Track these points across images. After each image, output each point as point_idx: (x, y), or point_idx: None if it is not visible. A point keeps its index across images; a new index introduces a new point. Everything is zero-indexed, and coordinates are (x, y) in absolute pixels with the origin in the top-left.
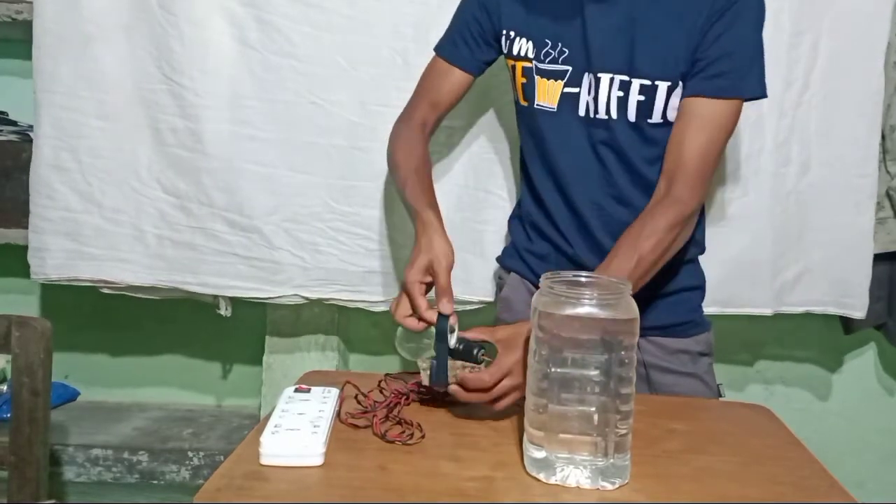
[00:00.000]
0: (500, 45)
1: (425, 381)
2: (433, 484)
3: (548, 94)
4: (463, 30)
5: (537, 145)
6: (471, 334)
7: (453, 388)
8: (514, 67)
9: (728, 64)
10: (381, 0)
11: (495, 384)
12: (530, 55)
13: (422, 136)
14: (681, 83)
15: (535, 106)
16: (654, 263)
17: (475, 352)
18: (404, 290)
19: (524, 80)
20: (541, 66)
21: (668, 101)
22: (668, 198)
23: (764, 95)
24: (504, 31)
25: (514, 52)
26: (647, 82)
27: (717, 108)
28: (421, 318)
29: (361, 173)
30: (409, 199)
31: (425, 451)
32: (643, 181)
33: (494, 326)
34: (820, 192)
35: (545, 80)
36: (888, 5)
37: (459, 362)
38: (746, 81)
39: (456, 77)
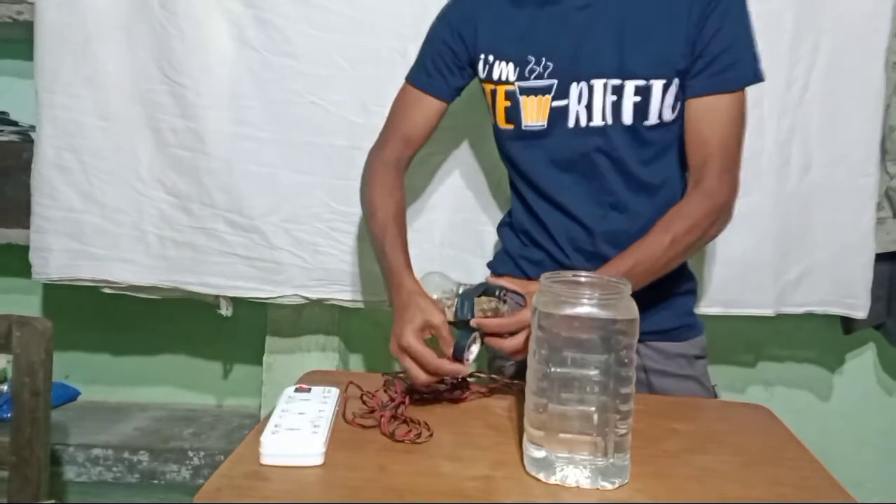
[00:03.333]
0: (477, 70)
1: (449, 317)
2: (433, 484)
3: (536, 113)
4: (435, 57)
5: (525, 167)
6: (503, 282)
7: (476, 320)
8: (494, 92)
9: (730, 57)
10: (381, 0)
11: (513, 333)
12: (511, 78)
13: (397, 176)
14: (676, 80)
15: (523, 128)
16: (689, 246)
17: (497, 292)
18: (409, 354)
19: (508, 104)
20: (524, 84)
21: (663, 100)
22: (698, 189)
23: (763, 79)
24: (482, 56)
25: (494, 76)
26: (642, 83)
27: (729, 101)
28: (437, 371)
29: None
30: (387, 253)
31: (425, 450)
32: (639, 184)
33: (527, 280)
34: (821, 192)
35: (531, 97)
36: (888, 5)
37: (485, 297)
38: (748, 69)
39: (429, 105)
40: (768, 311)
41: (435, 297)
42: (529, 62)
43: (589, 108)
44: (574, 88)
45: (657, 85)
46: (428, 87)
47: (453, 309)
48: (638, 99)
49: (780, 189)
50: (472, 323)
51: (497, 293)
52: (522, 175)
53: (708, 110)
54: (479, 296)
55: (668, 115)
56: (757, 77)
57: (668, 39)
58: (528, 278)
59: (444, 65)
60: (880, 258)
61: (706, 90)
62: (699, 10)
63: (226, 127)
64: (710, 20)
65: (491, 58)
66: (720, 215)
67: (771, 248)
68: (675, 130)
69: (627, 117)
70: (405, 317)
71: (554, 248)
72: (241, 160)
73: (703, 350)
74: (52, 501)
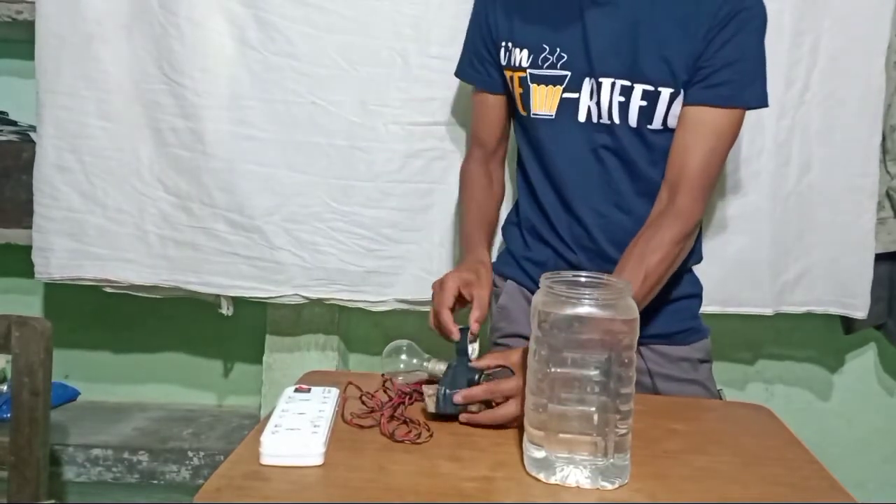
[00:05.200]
0: (500, 58)
1: (430, 409)
2: (433, 484)
3: (545, 102)
4: (473, 53)
5: (536, 153)
6: (486, 361)
7: (464, 416)
8: (511, 78)
9: (731, 73)
10: (381, 0)
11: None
12: (524, 64)
13: (480, 171)
14: (682, 91)
15: (532, 115)
16: (661, 277)
17: (478, 377)
18: (438, 290)
19: (521, 90)
20: (536, 72)
21: (669, 107)
22: (671, 210)
23: (766, 105)
24: (503, 44)
25: (512, 62)
26: (650, 88)
27: (719, 117)
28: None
29: (361, 173)
30: (465, 229)
31: (425, 451)
32: (645, 185)
33: (507, 350)
34: (820, 192)
35: (541, 86)
36: (888, 6)
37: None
38: (749, 91)
39: (486, 101)
40: (767, 311)
41: (402, 378)
42: (544, 50)
43: (598, 104)
44: (586, 83)
45: (665, 93)
46: (477, 82)
47: (434, 399)
48: (644, 103)
49: (780, 188)
50: (462, 419)
51: (478, 379)
52: (535, 164)
53: (697, 121)
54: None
55: (674, 123)
56: (754, 99)
57: (679, 49)
58: (531, 279)
59: (484, 59)
60: (881, 258)
61: (699, 100)
62: (710, 25)
63: (226, 127)
64: (719, 35)
65: (510, 44)
66: (689, 238)
67: (770, 248)
68: None
69: (633, 119)
70: (460, 266)
71: (559, 244)
72: (242, 160)
73: (707, 354)
74: (52, 501)
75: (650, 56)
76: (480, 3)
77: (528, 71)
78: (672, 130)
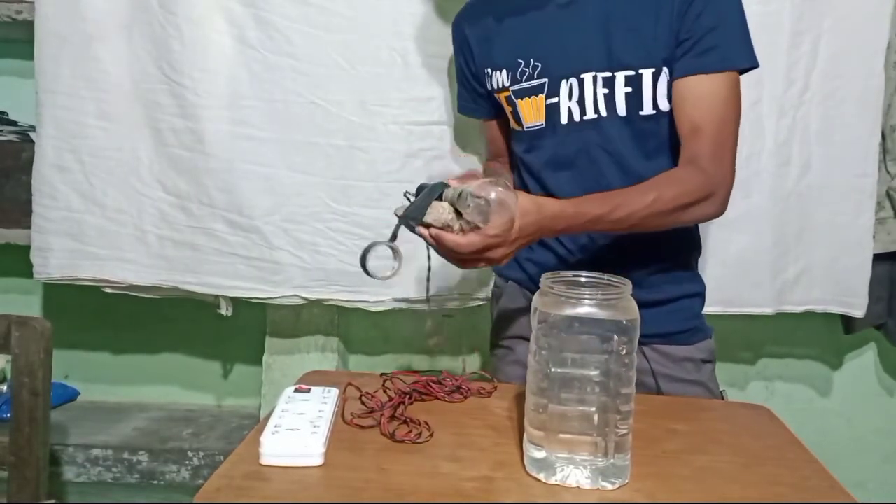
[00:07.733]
0: (485, 85)
1: (399, 212)
2: (433, 484)
3: (533, 113)
4: (464, 88)
5: (529, 163)
6: (472, 185)
7: (434, 232)
8: (501, 100)
9: (715, 39)
10: (381, 0)
11: (470, 252)
12: (507, 84)
13: (507, 166)
14: (665, 69)
15: (525, 129)
16: (670, 212)
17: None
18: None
19: (510, 109)
20: (517, 87)
21: (655, 88)
22: (692, 164)
23: (757, 65)
24: (485, 71)
25: (496, 85)
26: (631, 72)
27: (714, 83)
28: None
29: (361, 173)
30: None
31: (425, 451)
32: (640, 180)
33: (496, 182)
34: (820, 191)
35: (525, 99)
36: (888, 6)
37: (447, 206)
38: (737, 53)
39: (490, 125)
40: (767, 310)
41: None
42: (520, 65)
43: (581, 102)
44: (564, 85)
45: (646, 74)
46: (475, 113)
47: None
48: (629, 89)
49: (780, 188)
50: (421, 231)
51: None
52: (531, 175)
53: (692, 91)
54: (438, 198)
55: (665, 105)
56: (744, 60)
57: (653, 27)
58: (532, 280)
59: (472, 89)
60: (881, 258)
61: (688, 71)
62: (681, 0)
63: (226, 127)
64: (693, 6)
65: (490, 70)
66: (711, 196)
67: (770, 247)
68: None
69: (621, 108)
70: None
71: (559, 245)
72: (241, 160)
73: (710, 354)
74: (52, 501)
75: (624, 42)
76: (455, 41)
77: (511, 89)
78: (664, 113)
